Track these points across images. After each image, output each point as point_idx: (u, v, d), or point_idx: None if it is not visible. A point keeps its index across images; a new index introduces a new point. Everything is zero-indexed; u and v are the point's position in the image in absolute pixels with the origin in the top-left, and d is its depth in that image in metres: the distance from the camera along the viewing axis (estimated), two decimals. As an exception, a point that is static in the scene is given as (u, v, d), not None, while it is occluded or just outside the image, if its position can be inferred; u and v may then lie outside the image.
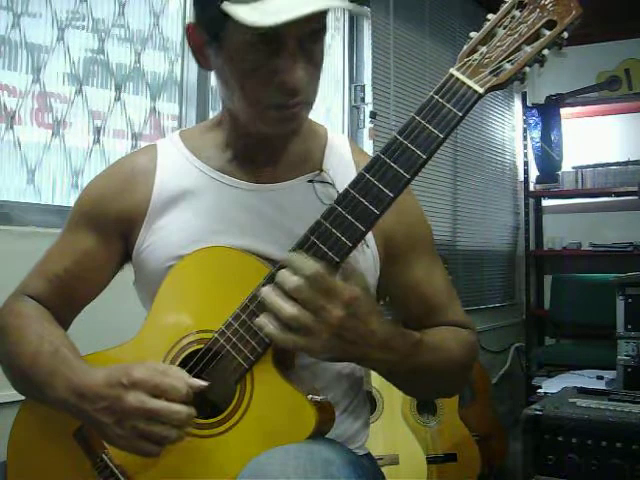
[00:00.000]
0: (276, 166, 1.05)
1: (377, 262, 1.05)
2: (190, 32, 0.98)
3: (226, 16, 0.87)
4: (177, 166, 1.07)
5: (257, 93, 0.93)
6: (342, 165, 1.07)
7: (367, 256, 1.03)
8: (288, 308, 0.82)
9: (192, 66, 2.37)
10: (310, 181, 1.04)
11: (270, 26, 0.83)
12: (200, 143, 1.09)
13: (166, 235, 1.03)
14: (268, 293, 0.84)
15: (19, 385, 1.02)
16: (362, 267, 1.01)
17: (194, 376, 0.91)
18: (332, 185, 1.03)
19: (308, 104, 0.97)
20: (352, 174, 1.05)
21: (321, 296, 0.81)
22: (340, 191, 0.87)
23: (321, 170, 1.05)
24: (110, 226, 1.06)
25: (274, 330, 0.83)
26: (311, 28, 0.90)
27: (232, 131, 1.05)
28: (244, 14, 0.85)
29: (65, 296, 1.07)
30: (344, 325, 0.82)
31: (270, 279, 0.87)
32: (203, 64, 1.00)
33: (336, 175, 1.04)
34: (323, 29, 0.93)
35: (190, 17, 2.35)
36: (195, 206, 1.04)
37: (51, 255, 1.09)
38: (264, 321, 0.84)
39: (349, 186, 0.85)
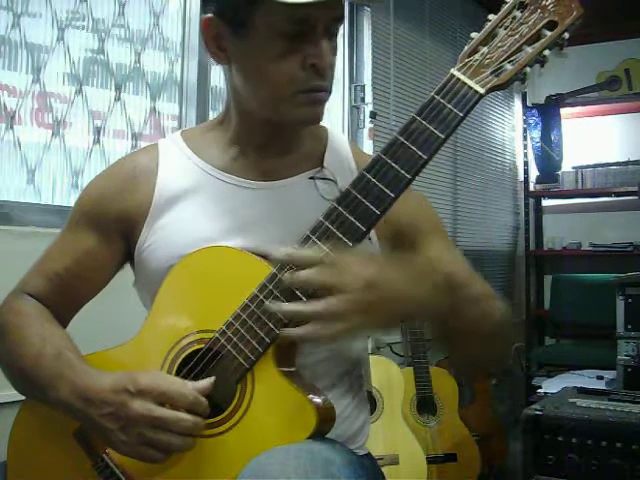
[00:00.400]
0: (278, 163, 1.05)
1: None
2: (205, 26, 0.97)
3: (253, 2, 0.88)
4: (179, 165, 1.07)
5: (286, 78, 0.94)
6: (342, 163, 1.07)
7: (369, 251, 1.01)
8: (307, 308, 0.82)
9: (192, 66, 2.37)
10: (311, 178, 1.04)
11: (306, 3, 0.85)
12: (202, 142, 1.09)
13: (168, 234, 1.03)
14: (281, 306, 0.84)
15: (20, 385, 1.02)
16: None
17: (194, 376, 0.91)
18: (334, 181, 1.03)
19: (329, 92, 0.98)
20: (352, 172, 1.05)
21: (334, 278, 0.80)
22: (342, 188, 0.86)
23: (322, 167, 1.05)
24: (111, 226, 1.06)
25: (311, 333, 0.82)
26: (335, 15, 0.93)
27: (239, 126, 1.05)
28: None
29: (65, 295, 1.07)
30: (368, 295, 0.81)
31: (271, 279, 0.88)
32: (220, 59, 0.99)
33: (336, 173, 1.05)
34: (342, 19, 0.96)
35: (189, 17, 2.35)
36: (197, 205, 1.04)
37: (51, 254, 1.09)
38: (297, 331, 0.83)
39: (350, 186, 0.85)
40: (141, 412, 0.86)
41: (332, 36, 0.95)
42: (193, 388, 0.88)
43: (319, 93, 0.96)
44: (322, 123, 1.14)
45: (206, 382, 0.89)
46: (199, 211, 1.03)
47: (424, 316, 0.91)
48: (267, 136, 1.04)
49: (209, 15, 0.97)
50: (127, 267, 1.11)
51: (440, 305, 0.87)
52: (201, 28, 0.98)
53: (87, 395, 0.90)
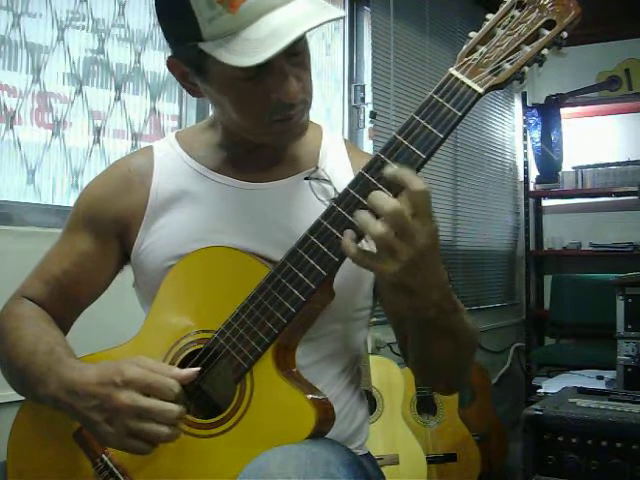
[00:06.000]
0: (272, 164, 1.05)
1: None
2: (171, 66, 0.98)
3: (205, 53, 0.88)
4: (173, 167, 1.07)
5: (256, 114, 0.94)
6: (337, 163, 1.07)
7: None
8: (380, 227, 0.79)
9: (192, 66, 2.37)
10: (306, 178, 1.04)
11: (256, 65, 0.84)
12: (196, 143, 1.09)
13: (164, 235, 1.03)
14: (360, 212, 0.81)
15: (16, 384, 1.02)
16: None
17: (193, 376, 0.91)
18: (329, 182, 1.03)
19: (307, 106, 0.98)
20: (347, 171, 1.05)
21: (414, 220, 0.79)
22: (337, 188, 0.85)
23: (317, 167, 1.05)
24: (108, 228, 1.06)
25: (354, 250, 0.81)
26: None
27: (225, 137, 1.06)
28: (226, 58, 0.85)
29: (63, 298, 1.08)
30: (425, 253, 0.79)
31: (270, 279, 0.88)
32: (194, 92, 1.00)
33: (332, 172, 1.04)
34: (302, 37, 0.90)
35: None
36: (192, 206, 1.04)
37: (49, 258, 1.10)
38: (348, 242, 0.81)
39: (349, 186, 0.85)
40: (127, 403, 0.86)
41: (295, 55, 0.91)
42: (177, 375, 0.88)
43: (293, 119, 0.95)
44: (322, 123, 1.15)
45: (191, 371, 0.89)
46: (194, 212, 1.03)
47: (428, 313, 0.87)
48: (254, 146, 1.04)
49: (171, 57, 0.97)
50: (127, 269, 1.11)
51: (443, 317, 0.88)
52: (168, 68, 0.99)
53: (73, 388, 0.90)
